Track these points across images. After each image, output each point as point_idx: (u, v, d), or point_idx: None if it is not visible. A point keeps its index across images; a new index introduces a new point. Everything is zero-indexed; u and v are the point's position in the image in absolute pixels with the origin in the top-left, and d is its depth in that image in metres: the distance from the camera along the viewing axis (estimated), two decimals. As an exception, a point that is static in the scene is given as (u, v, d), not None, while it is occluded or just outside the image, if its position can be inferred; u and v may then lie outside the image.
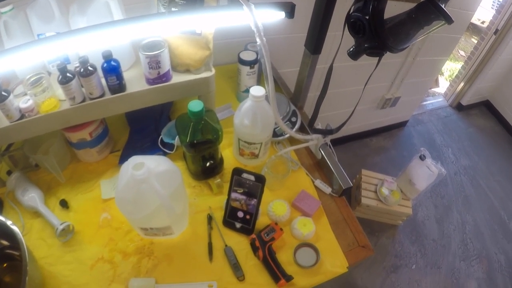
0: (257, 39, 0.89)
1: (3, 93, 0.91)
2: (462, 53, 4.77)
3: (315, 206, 1.15)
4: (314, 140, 1.26)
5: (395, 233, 2.53)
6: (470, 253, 2.54)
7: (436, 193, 2.87)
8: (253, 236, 1.05)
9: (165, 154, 1.23)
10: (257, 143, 1.15)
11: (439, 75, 4.39)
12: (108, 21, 0.79)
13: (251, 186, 1.06)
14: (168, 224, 0.97)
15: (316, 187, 1.25)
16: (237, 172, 1.06)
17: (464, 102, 3.70)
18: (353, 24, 0.85)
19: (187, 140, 1.02)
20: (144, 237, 1.05)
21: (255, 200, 1.06)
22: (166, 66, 1.06)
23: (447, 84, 3.96)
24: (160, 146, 1.22)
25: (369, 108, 2.82)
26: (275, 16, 0.98)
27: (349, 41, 0.95)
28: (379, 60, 0.98)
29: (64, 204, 1.10)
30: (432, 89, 3.94)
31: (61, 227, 1.01)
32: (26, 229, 1.05)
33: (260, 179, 1.04)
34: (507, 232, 2.73)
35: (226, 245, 1.06)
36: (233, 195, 1.08)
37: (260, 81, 1.48)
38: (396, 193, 2.31)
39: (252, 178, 1.05)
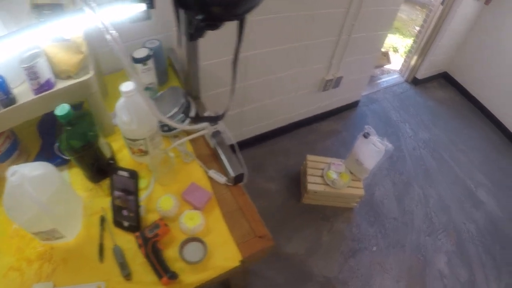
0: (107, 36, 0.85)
1: None
2: (418, 29, 4.77)
3: (205, 197, 1.13)
4: (205, 129, 1.23)
5: (350, 216, 2.48)
6: (435, 227, 2.52)
7: (394, 170, 2.84)
8: (137, 233, 1.03)
9: (65, 161, 1.21)
10: (140, 139, 1.13)
11: (393, 52, 4.40)
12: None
13: (128, 183, 1.04)
14: (52, 227, 0.98)
15: (209, 177, 1.22)
16: (113, 170, 1.04)
17: (419, 75, 3.68)
18: None
19: (61, 146, 1.01)
20: (41, 242, 1.06)
21: (133, 196, 1.05)
22: (45, 75, 1.06)
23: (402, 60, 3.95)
24: (58, 153, 1.20)
25: (310, 92, 2.71)
26: (136, 9, 0.98)
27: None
28: (241, 33, 0.93)
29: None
30: (386, 67, 3.92)
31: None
32: None
33: (133, 175, 1.02)
34: (475, 201, 2.72)
35: (115, 245, 1.05)
36: (116, 193, 1.06)
37: (164, 77, 1.49)
38: (345, 175, 2.28)
39: (126, 174, 1.03)
